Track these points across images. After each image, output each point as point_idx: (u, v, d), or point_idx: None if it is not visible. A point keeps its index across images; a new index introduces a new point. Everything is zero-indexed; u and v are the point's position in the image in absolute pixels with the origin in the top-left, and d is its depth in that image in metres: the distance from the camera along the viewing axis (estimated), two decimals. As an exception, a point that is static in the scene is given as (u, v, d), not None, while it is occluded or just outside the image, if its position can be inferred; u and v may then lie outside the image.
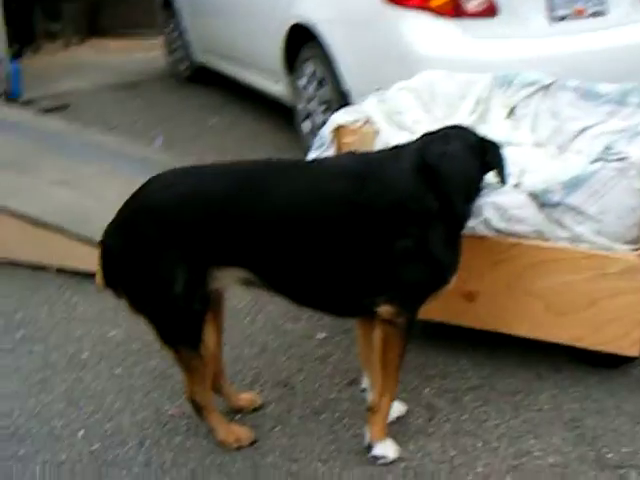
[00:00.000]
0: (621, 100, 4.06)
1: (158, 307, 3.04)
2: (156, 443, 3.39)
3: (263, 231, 2.97)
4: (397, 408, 3.38)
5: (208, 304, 3.06)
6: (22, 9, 11.13)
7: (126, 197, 3.10)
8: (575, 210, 3.39)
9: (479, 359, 3.77)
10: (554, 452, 3.17)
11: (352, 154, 3.25)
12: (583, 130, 4.08)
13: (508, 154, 3.69)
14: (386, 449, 3.17)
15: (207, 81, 9.05)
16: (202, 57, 8.76)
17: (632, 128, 3.84)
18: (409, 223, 2.96)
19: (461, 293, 3.61)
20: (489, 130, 4.08)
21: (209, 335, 3.09)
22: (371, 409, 3.18)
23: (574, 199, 3.38)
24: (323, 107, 6.14)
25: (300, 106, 6.58)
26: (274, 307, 4.32)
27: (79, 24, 12.32)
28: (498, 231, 3.51)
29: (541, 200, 3.44)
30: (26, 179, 5.37)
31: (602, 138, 3.90)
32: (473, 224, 3.49)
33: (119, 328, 4.23)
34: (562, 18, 5.53)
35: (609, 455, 3.14)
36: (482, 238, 3.53)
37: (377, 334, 3.07)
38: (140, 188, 3.08)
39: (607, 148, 3.40)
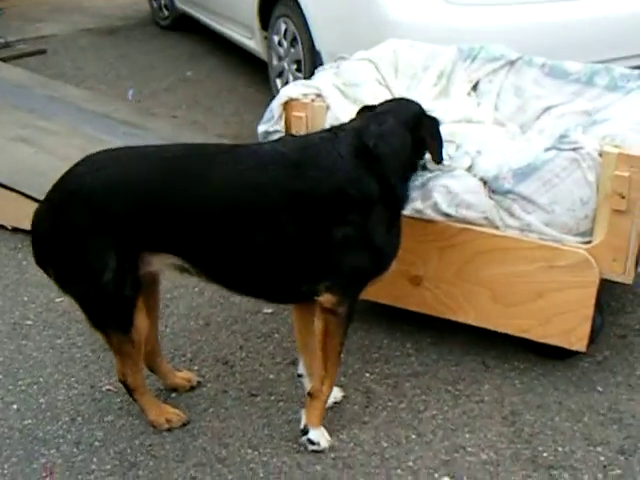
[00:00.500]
0: (588, 80, 3.94)
1: (87, 293, 2.95)
2: (88, 420, 3.32)
3: (194, 219, 2.87)
4: (334, 393, 3.30)
5: (139, 289, 2.97)
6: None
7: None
8: (525, 199, 3.29)
9: (425, 344, 3.69)
10: (488, 448, 3.10)
11: (288, 139, 3.12)
12: (547, 109, 3.97)
13: (466, 132, 3.59)
14: (320, 436, 3.11)
15: (189, 29, 8.84)
16: (182, 5, 8.54)
17: (594, 112, 3.71)
18: (350, 210, 2.86)
19: (407, 277, 3.54)
20: (450, 105, 3.96)
21: (140, 319, 3.00)
22: (311, 395, 3.10)
23: (525, 188, 3.27)
24: (295, 66, 5.97)
25: (273, 63, 6.41)
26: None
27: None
28: (447, 215, 3.41)
29: (492, 186, 3.34)
30: (-16, 135, 5.24)
31: (566, 118, 3.78)
32: (422, 207, 3.39)
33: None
34: (546, -16, 5.34)
35: (544, 454, 3.08)
36: (430, 222, 3.43)
37: (318, 322, 2.99)
38: (69, 170, 2.97)
39: (562, 136, 3.28)
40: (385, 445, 3.12)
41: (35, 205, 4.31)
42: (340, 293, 2.91)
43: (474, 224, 3.39)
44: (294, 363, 3.48)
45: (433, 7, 5.12)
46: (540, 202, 3.26)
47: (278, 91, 3.85)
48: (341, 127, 3.04)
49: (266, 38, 6.48)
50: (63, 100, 5.99)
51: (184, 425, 3.24)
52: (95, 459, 3.11)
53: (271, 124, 3.66)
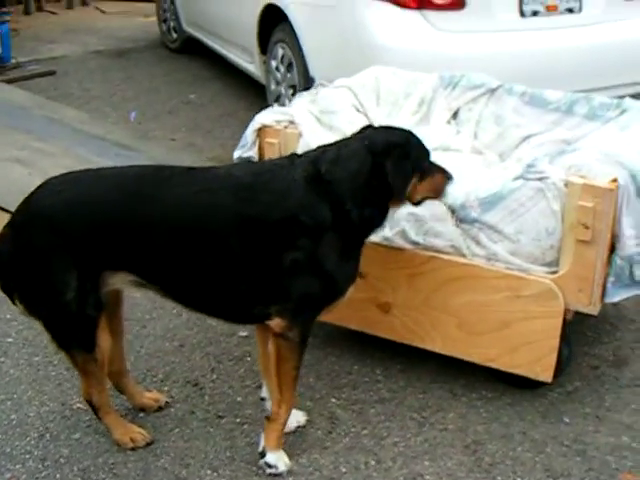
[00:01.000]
0: (568, 109, 3.96)
1: (51, 313, 3.00)
2: (56, 437, 3.35)
3: (149, 238, 2.91)
4: (297, 418, 3.33)
5: (101, 308, 3.01)
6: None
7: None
8: (492, 228, 3.30)
9: (394, 371, 3.69)
10: (447, 476, 3.10)
11: (244, 164, 3.16)
12: (526, 138, 3.99)
13: (442, 160, 3.60)
14: (278, 460, 3.11)
15: (196, 52, 8.92)
16: (189, 29, 8.64)
17: (574, 141, 3.73)
18: (300, 235, 2.87)
19: (377, 304, 3.55)
20: (429, 133, 3.97)
21: (103, 339, 3.04)
22: (268, 418, 3.11)
23: (491, 217, 3.29)
24: (291, 91, 6.02)
25: (271, 87, 6.48)
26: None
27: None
28: (415, 243, 3.43)
29: (459, 215, 3.34)
30: (-19, 155, 5.33)
31: (545, 147, 3.80)
32: (390, 235, 3.41)
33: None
34: (534, 13, 5.38)
35: (502, 484, 3.06)
36: (399, 250, 3.44)
37: (271, 346, 3.01)
38: (31, 194, 3.03)
39: (529, 166, 3.29)
40: (344, 470, 3.13)
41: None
42: (290, 318, 2.92)
43: (442, 252, 3.39)
44: (261, 387, 3.49)
45: (421, 33, 5.17)
46: (506, 231, 3.27)
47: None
48: (302, 154, 3.06)
49: (265, 63, 6.53)
50: (60, 122, 6.07)
51: (148, 445, 3.26)
52: (59, 475, 3.13)
53: (245, 150, 3.70)
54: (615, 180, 3.13)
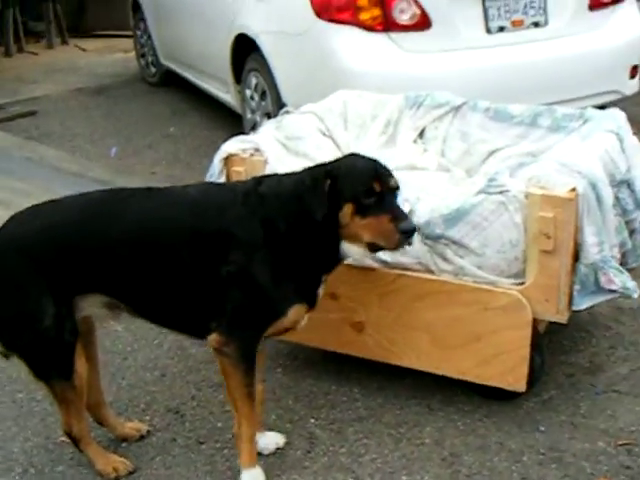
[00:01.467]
0: (532, 122, 4.02)
1: (30, 341, 3.04)
2: (40, 471, 3.39)
3: (113, 255, 3.01)
4: (276, 440, 3.38)
5: (77, 334, 3.07)
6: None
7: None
8: (457, 243, 3.35)
9: (372, 389, 3.73)
10: (424, 490, 3.13)
11: (201, 183, 3.39)
12: (492, 152, 4.05)
13: (408, 179, 3.66)
14: (252, 477, 3.14)
15: (175, 85, 9.00)
16: (166, 62, 8.74)
17: (539, 153, 3.79)
18: (233, 249, 2.94)
19: (350, 323, 3.60)
20: (395, 153, 4.04)
21: (81, 365, 3.10)
22: (235, 437, 3.16)
23: (455, 232, 3.34)
24: (266, 119, 6.09)
25: (247, 116, 6.55)
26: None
27: (63, 24, 12.31)
28: (384, 262, 3.47)
29: (424, 232, 3.40)
30: (-39, 197, 5.38)
31: (511, 161, 3.84)
32: (358, 255, 3.44)
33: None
34: (500, 29, 5.46)
35: (478, 495, 3.10)
36: (368, 269, 3.49)
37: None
38: (1, 227, 3.11)
39: (490, 180, 3.35)
40: (322, 489, 3.16)
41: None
42: (225, 334, 2.98)
43: (410, 269, 3.45)
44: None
45: (389, 56, 5.25)
46: (471, 246, 3.32)
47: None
48: (259, 177, 3.16)
49: (240, 92, 6.61)
50: (40, 161, 6.14)
51: (131, 473, 3.30)
52: (42, 510, 3.17)
53: (214, 179, 3.76)
54: (574, 189, 3.19)
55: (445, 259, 3.37)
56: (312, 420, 3.56)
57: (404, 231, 2.81)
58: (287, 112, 4.18)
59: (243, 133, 6.06)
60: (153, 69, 9.26)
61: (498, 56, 5.45)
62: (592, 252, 3.24)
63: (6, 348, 3.11)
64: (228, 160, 3.75)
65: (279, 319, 3.01)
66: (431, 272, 3.44)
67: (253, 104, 6.41)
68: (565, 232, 3.19)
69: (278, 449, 3.37)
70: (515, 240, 3.27)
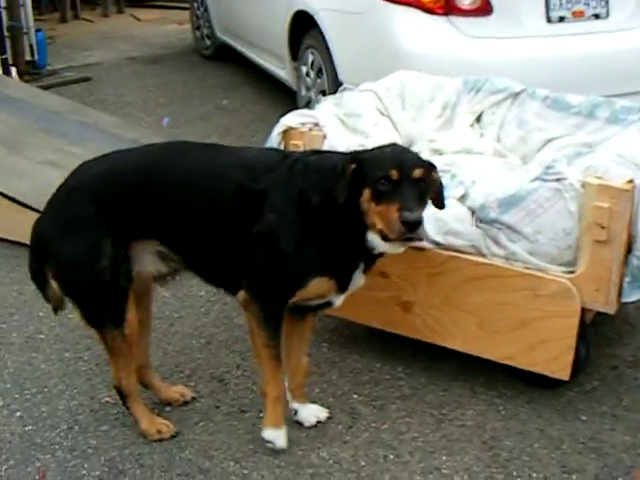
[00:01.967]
0: (590, 113, 4.00)
1: (85, 282, 3.13)
2: (84, 429, 3.45)
3: (167, 201, 3.11)
4: (317, 413, 3.42)
5: (131, 281, 3.16)
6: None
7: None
8: (510, 228, 3.35)
9: (416, 369, 3.76)
10: (463, 471, 3.16)
11: (260, 148, 3.53)
12: (548, 141, 4.03)
13: (464, 162, 3.67)
14: (275, 436, 3.21)
15: (229, 59, 9.05)
16: (222, 35, 8.76)
17: (595, 144, 3.77)
18: (267, 210, 3.00)
19: (398, 302, 3.62)
20: (452, 136, 4.05)
21: (132, 314, 3.18)
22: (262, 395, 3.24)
23: (509, 217, 3.34)
24: (321, 96, 6.11)
25: (302, 93, 6.57)
26: (231, 299, 4.30)
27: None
28: (436, 243, 3.49)
29: (478, 215, 3.41)
30: (15, 158, 5.45)
31: (567, 150, 3.83)
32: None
33: (80, 311, 4.27)
34: (561, 19, 5.43)
35: (518, 479, 3.11)
36: (420, 249, 3.50)
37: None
38: (67, 177, 3.24)
39: (547, 167, 3.34)
40: (363, 464, 3.20)
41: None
42: (250, 293, 3.06)
43: (461, 252, 3.46)
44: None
45: (449, 39, 5.24)
46: (524, 231, 3.32)
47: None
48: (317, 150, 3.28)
49: (295, 68, 6.63)
50: (94, 126, 6.18)
51: (173, 437, 3.36)
52: (86, 465, 3.24)
53: (271, 152, 3.78)
54: (631, 181, 3.18)
55: (497, 243, 3.38)
56: (355, 396, 3.59)
57: (405, 221, 2.76)
58: (346, 89, 4.18)
59: (297, 109, 6.11)
60: (208, 42, 9.31)
61: (558, 46, 5.42)
62: (646, 245, 3.23)
63: (63, 290, 3.19)
64: (287, 133, 3.78)
65: (299, 289, 3.04)
66: (482, 255, 3.44)
67: (308, 81, 6.43)
68: (620, 223, 3.18)
69: (320, 422, 3.40)
70: (569, 228, 3.27)
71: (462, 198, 3.53)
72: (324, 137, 3.71)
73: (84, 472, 3.20)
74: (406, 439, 3.32)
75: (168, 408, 3.55)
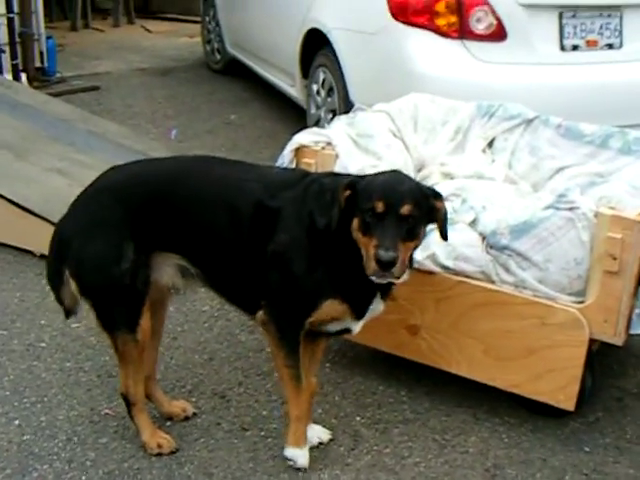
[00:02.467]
0: (602, 143, 3.99)
1: (103, 283, 3.11)
2: (83, 441, 3.42)
3: (190, 214, 3.12)
4: (319, 434, 3.39)
5: (149, 288, 3.15)
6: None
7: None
8: (521, 256, 3.34)
9: (419, 393, 3.73)
10: (465, 499, 3.12)
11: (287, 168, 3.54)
12: (560, 170, 4.02)
13: (475, 187, 3.66)
14: (297, 455, 3.21)
15: (238, 74, 9.05)
16: (232, 50, 8.78)
17: (607, 175, 3.76)
18: (280, 229, 3.00)
19: (405, 325, 3.60)
20: (464, 160, 4.04)
21: (146, 320, 3.17)
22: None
23: (520, 244, 3.33)
24: (330, 115, 6.11)
25: (311, 111, 6.57)
26: (234, 316, 4.31)
27: (131, 3, 12.43)
28: (445, 268, 3.47)
29: (489, 241, 3.39)
30: (22, 164, 5.43)
31: (578, 180, 3.82)
32: (421, 258, 3.45)
33: (82, 321, 4.24)
34: (574, 48, 5.44)
35: (520, 508, 3.08)
36: (428, 273, 3.49)
37: None
38: (103, 172, 3.28)
39: (560, 195, 3.33)
40: (364, 487, 3.17)
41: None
42: (267, 312, 3.06)
43: (471, 277, 3.44)
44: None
45: (462, 63, 5.25)
46: (535, 259, 3.31)
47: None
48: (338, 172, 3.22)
49: (306, 86, 6.63)
50: (102, 135, 6.17)
51: (173, 452, 3.33)
52: (84, 477, 3.20)
53: (282, 169, 3.78)
54: (644, 212, 3.16)
55: (507, 270, 3.37)
56: (358, 418, 3.57)
57: (378, 259, 2.73)
58: (359, 109, 4.17)
59: (306, 127, 6.11)
60: (218, 56, 9.33)
61: (570, 74, 5.42)
62: (656, 277, 3.21)
63: (79, 290, 3.16)
64: (299, 151, 3.77)
65: (313, 310, 3.02)
66: (492, 282, 3.42)
67: (319, 99, 6.43)
68: (631, 254, 3.17)
69: (322, 444, 3.38)
70: (580, 258, 3.26)
71: (472, 223, 3.51)
72: (336, 156, 3.69)
73: (82, 484, 3.16)
74: (408, 464, 3.29)
75: (169, 423, 3.51)
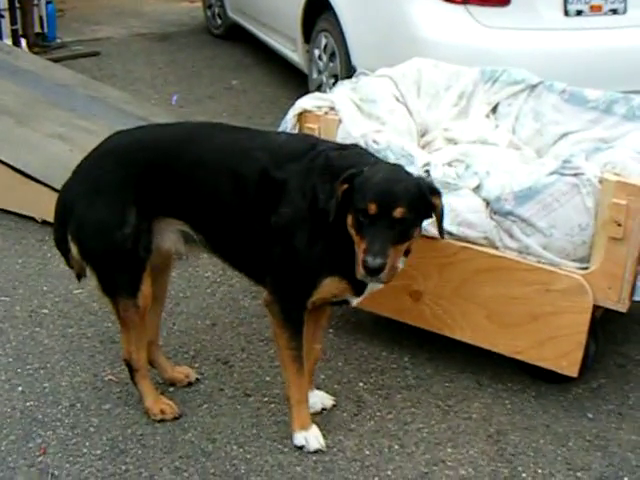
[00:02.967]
0: (607, 109, 3.96)
1: (105, 247, 3.10)
2: (86, 407, 3.43)
3: (193, 180, 3.10)
4: (323, 400, 3.39)
5: (150, 254, 3.14)
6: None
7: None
8: (525, 221, 3.32)
9: (422, 359, 3.73)
10: (468, 464, 3.14)
11: (288, 133, 3.50)
12: (564, 135, 4.00)
13: (479, 153, 3.64)
14: (305, 438, 3.18)
15: (239, 39, 8.99)
16: (233, 15, 8.70)
17: (611, 140, 3.74)
18: (283, 201, 2.97)
19: (408, 291, 3.59)
20: (467, 126, 4.01)
21: (147, 287, 3.16)
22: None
23: (525, 210, 3.31)
24: (332, 80, 6.07)
25: (313, 76, 6.53)
26: (237, 281, 4.31)
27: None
28: (449, 233, 3.45)
29: (493, 207, 3.37)
30: (23, 130, 5.40)
31: (582, 146, 3.80)
32: (425, 223, 3.42)
33: (85, 287, 4.24)
34: (578, 13, 5.39)
35: (523, 474, 3.10)
36: (432, 239, 3.46)
37: None
38: (108, 137, 3.27)
39: (565, 161, 3.31)
40: (367, 453, 3.18)
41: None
42: (271, 291, 3.06)
43: (474, 243, 3.43)
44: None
45: (465, 28, 5.21)
46: (539, 225, 3.29)
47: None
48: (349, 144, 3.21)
49: (308, 51, 6.59)
50: (103, 101, 6.13)
51: (176, 418, 3.34)
52: (88, 443, 3.22)
53: (284, 134, 3.75)
54: (650, 179, 3.14)
55: (511, 236, 3.35)
56: (361, 384, 3.57)
57: (365, 264, 2.73)
58: (363, 74, 4.14)
59: (308, 92, 6.06)
60: (219, 21, 9.25)
61: (574, 39, 5.38)
62: (661, 243, 3.20)
63: (81, 254, 3.15)
64: (302, 116, 3.74)
65: (314, 289, 3.00)
66: (495, 248, 3.41)
67: (321, 64, 6.38)
68: (636, 221, 3.15)
69: (325, 409, 3.38)
70: (584, 224, 3.24)
71: (476, 189, 3.48)
72: (339, 121, 3.67)
73: (85, 450, 3.18)
74: (411, 430, 3.30)
75: (172, 389, 3.52)
